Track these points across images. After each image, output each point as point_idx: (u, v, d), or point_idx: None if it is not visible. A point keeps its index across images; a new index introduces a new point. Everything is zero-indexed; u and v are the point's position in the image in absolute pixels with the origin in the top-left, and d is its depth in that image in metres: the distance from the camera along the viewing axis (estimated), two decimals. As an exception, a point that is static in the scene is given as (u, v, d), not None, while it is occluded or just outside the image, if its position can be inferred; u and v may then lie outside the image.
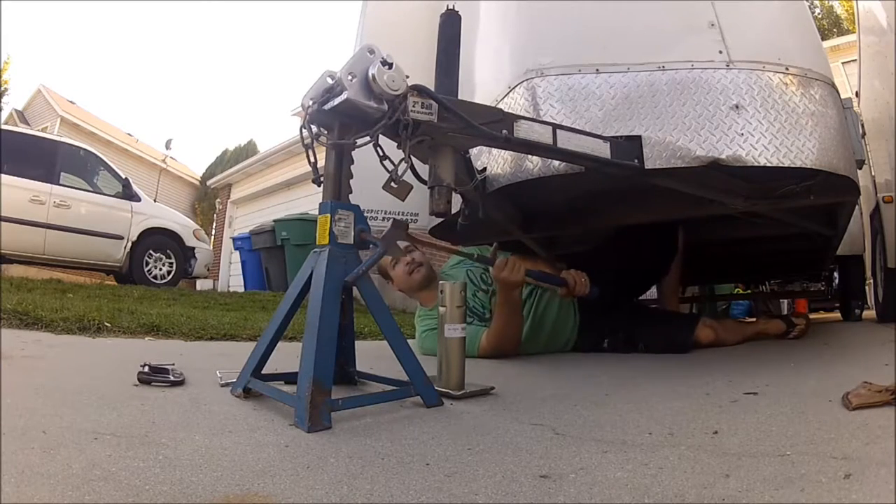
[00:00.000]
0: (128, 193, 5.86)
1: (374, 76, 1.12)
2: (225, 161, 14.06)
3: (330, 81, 1.19)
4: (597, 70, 1.54)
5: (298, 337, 2.05)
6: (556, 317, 2.20)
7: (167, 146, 9.37)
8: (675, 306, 2.80)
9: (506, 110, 1.39)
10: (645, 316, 2.32)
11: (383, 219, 2.34)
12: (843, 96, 1.67)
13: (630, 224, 2.07)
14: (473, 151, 1.65)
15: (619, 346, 2.15)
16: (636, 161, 1.46)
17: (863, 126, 2.60)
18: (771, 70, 1.49)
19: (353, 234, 1.18)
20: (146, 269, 5.88)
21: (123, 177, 6.02)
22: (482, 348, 2.04)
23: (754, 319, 3.66)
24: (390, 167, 1.25)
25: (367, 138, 1.17)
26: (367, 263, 1.17)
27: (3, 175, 4.87)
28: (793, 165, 1.44)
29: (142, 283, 5.53)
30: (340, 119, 1.19)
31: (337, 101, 1.14)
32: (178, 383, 1.34)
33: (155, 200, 6.67)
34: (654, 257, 2.44)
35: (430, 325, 2.14)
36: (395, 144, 1.24)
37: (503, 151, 1.62)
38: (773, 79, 1.49)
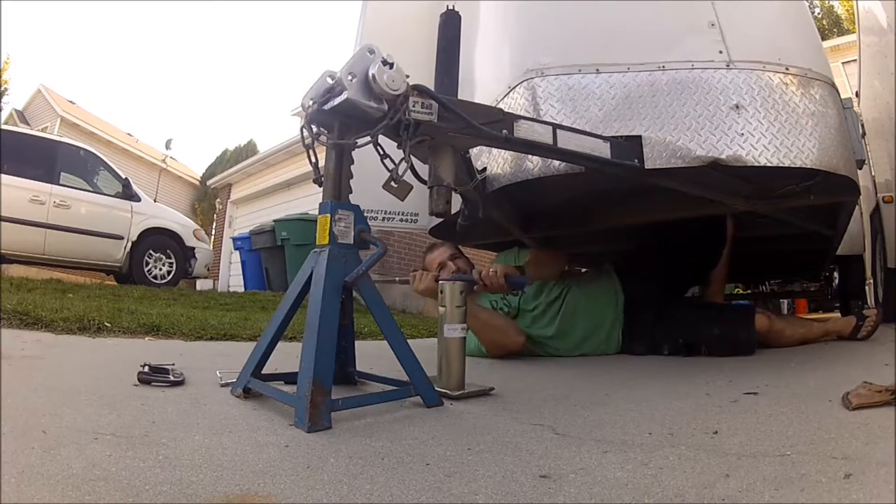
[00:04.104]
0: (128, 193, 5.85)
1: (374, 76, 1.12)
2: (225, 161, 14.04)
3: (330, 81, 1.19)
4: (597, 70, 1.54)
5: (298, 337, 2.06)
6: (587, 318, 2.15)
7: (167, 146, 9.32)
8: (721, 299, 2.67)
9: (506, 110, 1.39)
10: (699, 315, 2.16)
11: (383, 219, 2.34)
12: (843, 96, 1.67)
13: (673, 218, 2.00)
14: (473, 151, 1.65)
15: (680, 352, 2.04)
16: (636, 161, 1.46)
17: (863, 126, 2.60)
18: (771, 70, 1.49)
19: (353, 234, 1.18)
20: (146, 269, 5.87)
21: (123, 177, 6.00)
22: (486, 349, 2.09)
23: (824, 316, 3.53)
24: (390, 167, 1.25)
25: (368, 138, 1.17)
26: (367, 263, 1.17)
27: (3, 175, 4.87)
28: (793, 165, 1.44)
29: (142, 283, 5.53)
30: (341, 119, 1.19)
31: (337, 101, 1.14)
32: (178, 383, 1.34)
33: (155, 200, 6.65)
34: (701, 249, 2.35)
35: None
36: (396, 144, 1.24)
37: (503, 151, 1.62)
38: (773, 79, 1.49)
